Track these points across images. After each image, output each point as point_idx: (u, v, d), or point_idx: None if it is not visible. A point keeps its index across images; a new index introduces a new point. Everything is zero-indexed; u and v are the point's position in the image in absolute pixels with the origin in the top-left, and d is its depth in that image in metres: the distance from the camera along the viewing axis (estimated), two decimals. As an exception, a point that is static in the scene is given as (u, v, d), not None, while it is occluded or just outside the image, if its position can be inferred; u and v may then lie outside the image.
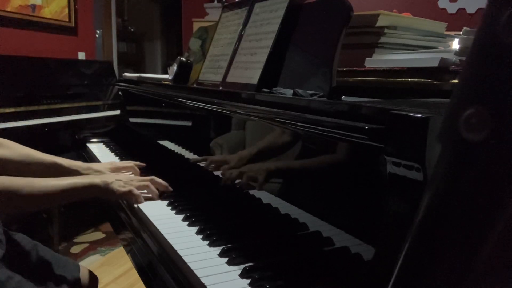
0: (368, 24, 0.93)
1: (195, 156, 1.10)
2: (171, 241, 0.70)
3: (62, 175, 1.07)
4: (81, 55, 3.16)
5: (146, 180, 0.96)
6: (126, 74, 1.87)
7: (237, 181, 0.88)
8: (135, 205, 0.89)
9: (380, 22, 0.92)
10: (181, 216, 0.82)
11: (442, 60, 0.79)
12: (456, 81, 0.79)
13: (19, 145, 1.06)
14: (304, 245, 0.66)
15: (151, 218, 0.81)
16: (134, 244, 0.82)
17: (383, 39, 0.94)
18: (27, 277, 0.86)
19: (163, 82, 1.48)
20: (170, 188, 0.97)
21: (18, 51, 2.53)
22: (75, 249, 2.28)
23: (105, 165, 1.13)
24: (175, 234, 0.74)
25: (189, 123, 1.18)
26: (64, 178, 0.88)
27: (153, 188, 0.95)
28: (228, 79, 1.04)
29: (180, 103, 1.12)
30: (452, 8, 2.81)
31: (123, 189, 0.91)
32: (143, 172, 1.16)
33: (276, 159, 0.78)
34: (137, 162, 1.17)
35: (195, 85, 1.21)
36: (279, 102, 0.73)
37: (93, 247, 2.31)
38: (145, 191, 0.94)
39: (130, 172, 1.13)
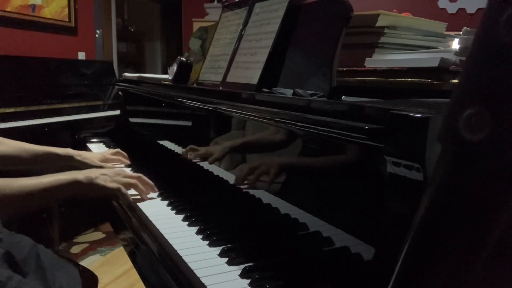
0: (368, 24, 0.93)
1: (195, 157, 1.10)
2: (171, 241, 0.70)
3: (57, 163, 1.11)
4: (81, 55, 3.16)
5: (134, 177, 0.93)
6: (126, 74, 1.87)
7: (236, 181, 0.88)
8: (135, 204, 0.89)
9: (380, 22, 0.92)
10: (181, 216, 0.82)
11: (442, 60, 0.79)
12: (456, 81, 0.79)
13: (11, 140, 1.07)
14: (304, 245, 0.66)
15: (151, 218, 0.81)
16: (134, 244, 0.82)
17: (383, 39, 0.94)
18: (27, 277, 0.86)
19: (163, 82, 1.48)
20: (156, 189, 0.96)
21: (18, 51, 2.53)
22: (75, 249, 2.28)
23: (96, 155, 1.17)
24: (175, 234, 0.74)
25: (189, 123, 1.18)
26: (45, 176, 0.84)
27: (141, 187, 0.93)
28: (228, 79, 1.04)
29: (180, 103, 1.12)
30: (452, 8, 2.81)
31: (110, 185, 0.89)
32: (143, 173, 1.16)
33: (276, 159, 0.78)
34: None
35: (195, 85, 1.21)
36: (279, 102, 0.73)
37: (93, 247, 2.31)
38: (135, 192, 0.93)
39: (121, 165, 1.17)
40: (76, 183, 0.87)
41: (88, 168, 1.08)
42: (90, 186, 0.87)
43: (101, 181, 0.88)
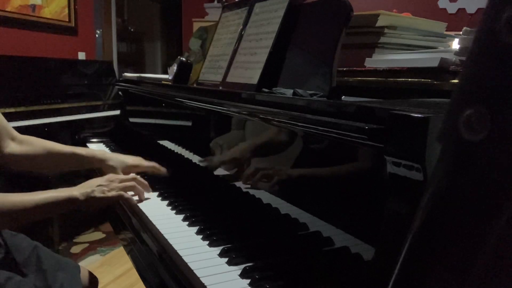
0: (368, 24, 0.93)
1: (196, 156, 1.10)
2: (171, 241, 0.70)
3: (82, 165, 1.07)
4: (81, 55, 3.16)
5: (129, 179, 0.93)
6: (126, 74, 1.87)
7: (236, 181, 0.88)
8: (135, 205, 0.89)
9: (380, 22, 0.92)
10: (181, 216, 0.82)
11: (442, 60, 0.79)
12: (456, 81, 0.79)
13: (38, 139, 1.05)
14: (304, 245, 0.66)
15: (151, 218, 0.81)
16: (134, 244, 0.82)
17: (383, 39, 0.94)
18: (27, 278, 0.86)
19: (163, 82, 1.48)
20: (150, 189, 0.95)
21: (18, 51, 2.53)
22: (75, 249, 2.28)
23: (126, 159, 1.05)
24: (175, 234, 0.74)
25: (189, 123, 1.18)
26: (40, 192, 0.81)
27: (139, 188, 0.93)
28: (228, 79, 1.04)
29: (180, 103, 1.12)
30: (452, 8, 2.81)
31: (110, 194, 0.87)
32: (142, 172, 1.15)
33: (276, 159, 0.78)
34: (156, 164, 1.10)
35: (195, 85, 1.21)
36: (279, 102, 0.73)
37: (93, 247, 2.31)
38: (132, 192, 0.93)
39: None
40: (72, 200, 0.84)
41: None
42: (88, 201, 0.85)
43: (99, 193, 0.86)
